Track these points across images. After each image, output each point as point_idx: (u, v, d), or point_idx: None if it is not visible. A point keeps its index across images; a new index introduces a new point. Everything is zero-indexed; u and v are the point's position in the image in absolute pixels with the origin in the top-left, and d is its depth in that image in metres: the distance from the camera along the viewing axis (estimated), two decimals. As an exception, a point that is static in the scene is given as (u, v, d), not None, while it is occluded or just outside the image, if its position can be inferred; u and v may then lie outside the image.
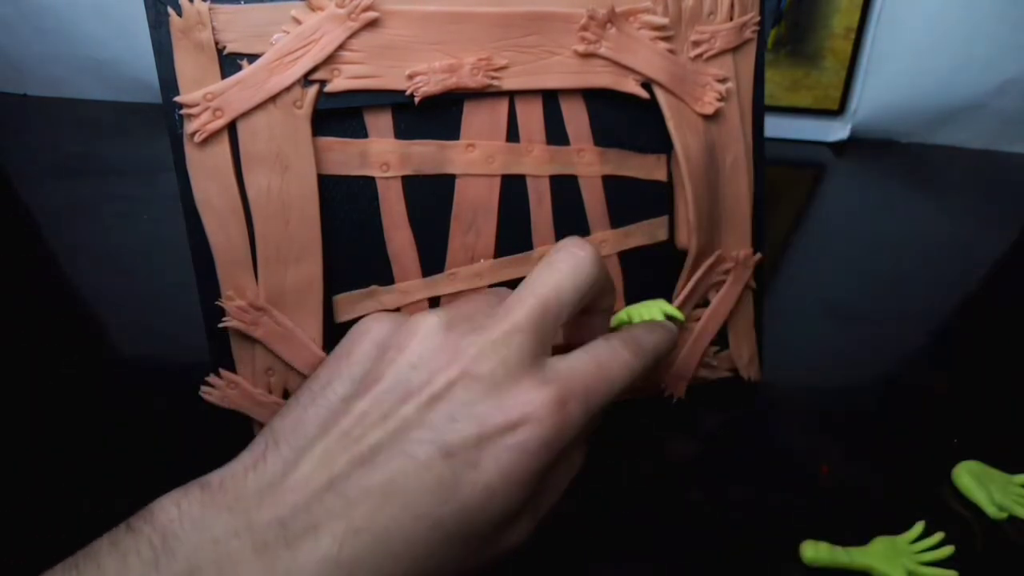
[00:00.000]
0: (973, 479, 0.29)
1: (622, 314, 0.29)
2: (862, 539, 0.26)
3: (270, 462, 0.20)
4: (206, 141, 0.24)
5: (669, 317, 0.29)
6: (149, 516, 0.19)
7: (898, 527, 0.27)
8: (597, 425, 0.25)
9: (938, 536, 0.27)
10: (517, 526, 0.22)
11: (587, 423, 0.22)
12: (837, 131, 0.57)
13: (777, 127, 0.57)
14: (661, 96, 0.28)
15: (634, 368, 0.24)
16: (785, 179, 0.55)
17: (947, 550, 0.26)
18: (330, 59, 0.25)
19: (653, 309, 0.29)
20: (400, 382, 0.21)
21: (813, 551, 0.26)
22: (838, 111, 0.56)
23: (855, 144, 0.57)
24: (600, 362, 0.23)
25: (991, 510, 0.28)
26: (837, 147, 0.58)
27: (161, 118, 0.24)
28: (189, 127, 0.24)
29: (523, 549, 0.22)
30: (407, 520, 0.19)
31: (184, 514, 0.19)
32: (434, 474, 0.19)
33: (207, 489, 0.20)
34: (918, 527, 0.27)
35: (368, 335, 0.23)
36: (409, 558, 0.19)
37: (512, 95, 0.27)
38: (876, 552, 0.26)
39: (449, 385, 0.21)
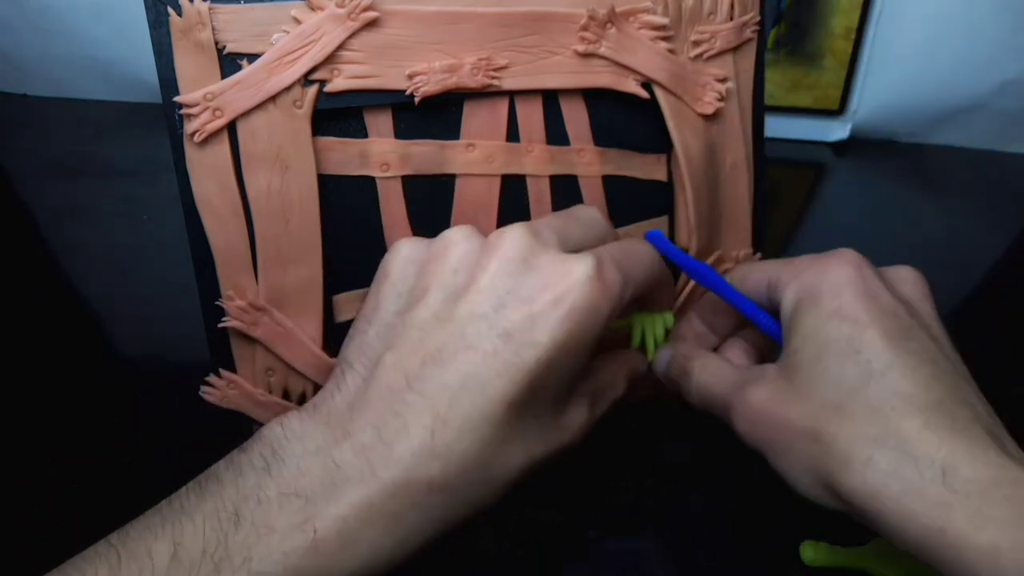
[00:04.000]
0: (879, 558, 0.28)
1: (623, 319, 0.29)
2: (862, 539, 0.26)
3: (350, 381, 0.22)
4: (206, 141, 0.24)
5: (668, 332, 0.29)
6: (258, 436, 0.22)
7: (898, 527, 0.27)
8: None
9: (938, 536, 0.27)
10: (577, 409, 0.24)
11: (627, 294, 0.24)
12: (837, 131, 0.57)
13: (777, 127, 0.57)
14: (661, 96, 0.28)
15: (654, 256, 0.26)
16: (785, 179, 0.55)
17: (947, 550, 0.26)
18: (330, 59, 0.25)
19: (656, 318, 0.29)
20: (446, 286, 0.23)
21: (813, 551, 0.26)
22: (838, 111, 0.56)
23: (855, 144, 0.57)
24: (623, 246, 0.25)
25: None
26: (837, 147, 0.58)
27: (161, 118, 0.24)
28: (189, 127, 0.24)
29: (581, 443, 0.24)
30: (485, 404, 0.21)
31: (287, 430, 0.21)
32: (500, 359, 0.21)
33: (304, 411, 0.22)
34: (918, 527, 0.27)
35: (400, 254, 0.24)
36: (494, 440, 0.21)
37: (512, 95, 0.27)
38: (876, 552, 0.26)
39: (491, 277, 0.22)
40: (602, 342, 0.24)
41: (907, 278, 0.25)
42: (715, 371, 0.26)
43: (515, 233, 0.23)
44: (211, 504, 0.20)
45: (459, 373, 0.21)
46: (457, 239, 0.24)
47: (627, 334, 0.30)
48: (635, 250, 0.25)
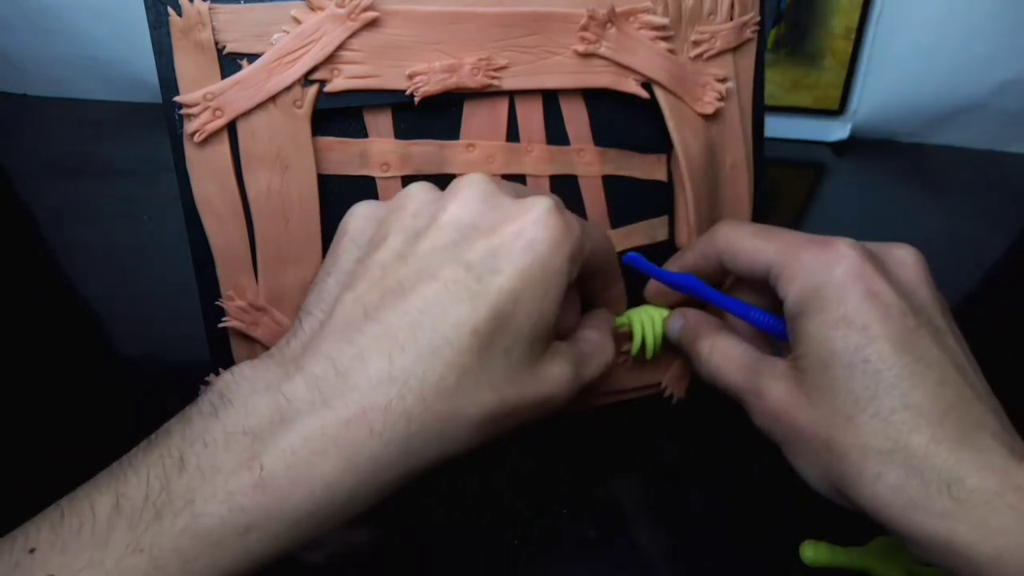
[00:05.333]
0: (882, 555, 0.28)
1: (623, 317, 0.29)
2: (862, 539, 0.26)
3: (307, 326, 0.22)
4: (206, 141, 0.24)
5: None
6: (209, 387, 0.21)
7: (898, 527, 0.27)
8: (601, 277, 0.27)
9: (938, 536, 0.27)
10: (557, 363, 0.23)
11: (586, 245, 0.23)
12: (837, 131, 0.57)
13: (777, 127, 0.57)
14: (661, 96, 0.28)
15: (605, 234, 0.27)
16: (785, 179, 0.55)
17: (947, 550, 0.26)
18: (330, 59, 0.25)
19: (654, 314, 0.29)
20: (406, 229, 0.23)
21: (813, 551, 0.26)
22: (838, 111, 0.56)
23: (855, 144, 0.57)
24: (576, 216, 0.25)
25: None
26: (837, 147, 0.58)
27: (161, 118, 0.24)
28: (189, 127, 0.24)
29: (565, 403, 0.23)
30: (448, 329, 0.20)
31: (237, 376, 0.21)
32: (461, 286, 0.21)
33: (258, 359, 0.22)
34: (918, 527, 0.27)
35: (357, 211, 0.24)
36: (457, 368, 0.20)
37: (512, 95, 0.27)
38: (876, 552, 0.26)
39: (452, 215, 0.22)
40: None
41: (905, 261, 0.25)
42: (725, 353, 0.26)
43: (475, 176, 0.23)
44: (156, 453, 0.19)
45: (420, 301, 0.21)
46: (415, 191, 0.24)
47: (627, 334, 0.30)
48: (591, 224, 0.26)
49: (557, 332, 0.24)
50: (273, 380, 0.20)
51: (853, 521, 0.27)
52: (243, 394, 0.20)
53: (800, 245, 0.24)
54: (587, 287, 0.27)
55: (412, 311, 0.20)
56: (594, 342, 0.26)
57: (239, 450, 0.19)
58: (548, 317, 0.22)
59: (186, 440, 0.19)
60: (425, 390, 0.20)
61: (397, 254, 0.22)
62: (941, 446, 0.20)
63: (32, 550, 0.18)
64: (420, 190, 0.24)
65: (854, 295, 0.23)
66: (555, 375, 0.23)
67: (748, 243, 0.26)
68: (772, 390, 0.24)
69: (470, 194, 0.23)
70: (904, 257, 0.25)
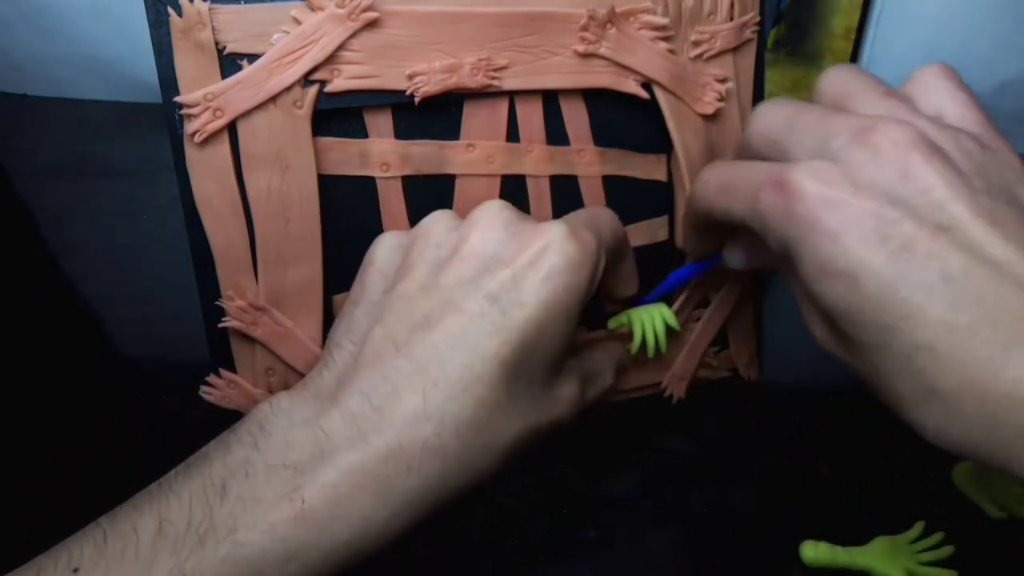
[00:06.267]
0: (973, 479, 0.29)
1: (622, 316, 0.29)
2: (862, 539, 0.26)
3: (339, 359, 0.22)
4: (206, 141, 0.24)
5: (668, 327, 0.29)
6: (247, 416, 0.22)
7: (898, 527, 0.27)
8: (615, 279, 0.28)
9: (938, 536, 0.27)
10: (567, 384, 0.24)
11: (602, 254, 0.24)
12: (837, 131, 0.57)
13: (777, 127, 0.57)
14: (661, 96, 0.28)
15: (615, 218, 0.26)
16: (785, 179, 0.55)
17: (947, 550, 0.26)
18: (330, 59, 0.25)
19: (654, 313, 0.29)
20: (430, 260, 0.23)
21: (813, 551, 0.26)
22: (838, 111, 0.56)
23: (855, 144, 0.57)
24: (586, 211, 0.26)
25: (991, 510, 0.28)
26: (837, 147, 0.58)
27: (161, 118, 0.24)
28: (189, 127, 0.24)
29: (570, 422, 0.24)
30: (476, 363, 0.21)
31: (275, 408, 0.21)
32: (488, 319, 0.21)
33: (293, 390, 0.22)
34: (918, 527, 0.27)
35: (384, 242, 0.25)
36: (488, 402, 0.21)
37: (512, 95, 0.27)
38: (876, 552, 0.26)
39: (473, 246, 0.23)
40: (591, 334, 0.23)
41: (936, 86, 0.23)
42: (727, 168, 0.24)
43: (494, 205, 0.24)
44: (198, 481, 0.20)
45: (447, 335, 0.21)
46: (437, 218, 0.24)
47: (628, 333, 0.30)
48: (597, 212, 0.26)
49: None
50: (310, 414, 0.21)
51: (853, 521, 0.27)
52: (282, 427, 0.21)
53: (759, 192, 0.21)
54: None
55: (441, 346, 0.21)
56: (596, 363, 0.27)
57: (280, 482, 0.19)
58: (567, 340, 0.23)
59: (228, 469, 0.20)
60: (460, 427, 0.20)
61: (421, 286, 0.22)
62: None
63: (76, 570, 0.18)
64: (442, 216, 0.24)
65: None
66: (567, 396, 0.24)
67: (718, 205, 0.24)
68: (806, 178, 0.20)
69: (492, 222, 0.23)
70: (932, 81, 0.23)
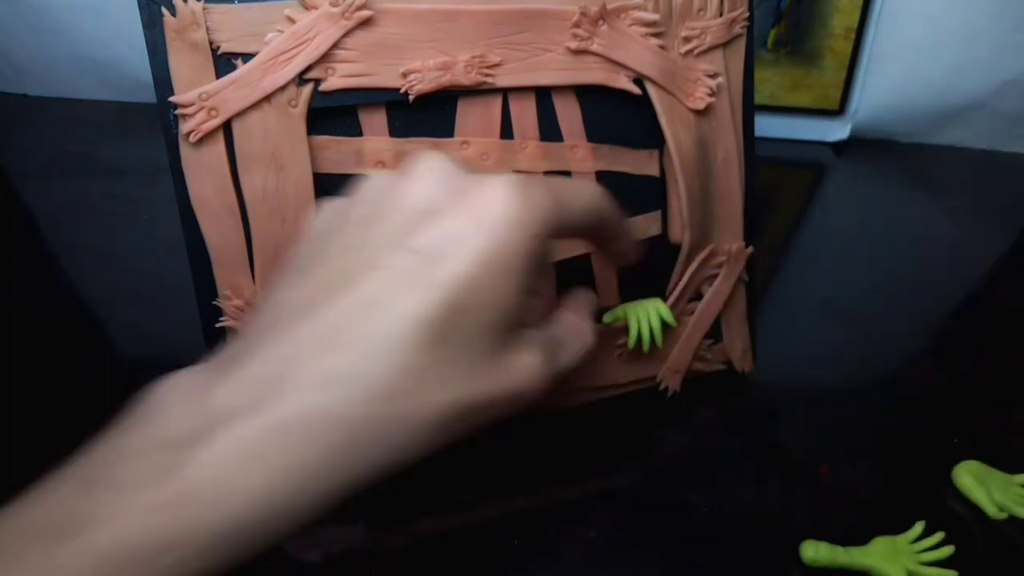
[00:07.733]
0: (973, 479, 0.28)
1: (618, 311, 0.29)
2: (862, 539, 0.26)
3: (251, 328, 0.20)
4: (201, 141, 0.24)
5: (663, 321, 0.29)
6: (138, 398, 0.19)
7: (898, 527, 0.27)
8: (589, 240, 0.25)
9: (938, 536, 0.27)
10: (528, 352, 0.21)
11: (562, 218, 0.21)
12: (837, 131, 0.57)
13: (777, 127, 0.57)
14: (653, 92, 0.28)
15: (599, 192, 0.23)
16: (785, 179, 0.55)
17: (947, 550, 0.26)
18: (324, 58, 0.25)
19: (649, 308, 0.29)
20: (360, 218, 0.21)
21: (813, 551, 0.26)
22: (838, 111, 0.56)
23: (855, 144, 0.57)
24: (563, 179, 0.24)
25: (991, 510, 0.28)
26: (837, 147, 0.58)
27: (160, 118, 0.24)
28: (184, 127, 0.24)
29: (540, 394, 0.21)
30: (393, 323, 0.18)
31: (168, 384, 0.19)
32: (412, 275, 0.19)
33: (195, 365, 0.20)
34: (918, 527, 0.27)
35: (321, 209, 0.23)
36: (407, 367, 0.18)
37: (505, 92, 0.27)
38: (876, 552, 0.26)
39: (406, 199, 0.20)
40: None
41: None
42: None
43: (435, 156, 0.21)
44: (71, 470, 0.17)
45: (366, 294, 0.19)
46: (375, 176, 0.22)
47: (623, 328, 0.30)
48: (575, 182, 0.24)
49: (528, 318, 0.22)
50: (201, 386, 0.18)
51: (853, 521, 0.27)
52: (165, 404, 0.18)
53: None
54: (594, 243, 0.26)
55: (355, 304, 0.19)
56: (570, 324, 0.24)
57: (157, 463, 0.17)
58: (513, 304, 0.20)
59: (101, 454, 0.18)
60: (371, 393, 0.18)
61: (347, 245, 0.20)
62: None
63: None
64: (381, 175, 0.22)
65: None
66: (525, 366, 0.21)
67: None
68: None
69: (427, 175, 0.21)
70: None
